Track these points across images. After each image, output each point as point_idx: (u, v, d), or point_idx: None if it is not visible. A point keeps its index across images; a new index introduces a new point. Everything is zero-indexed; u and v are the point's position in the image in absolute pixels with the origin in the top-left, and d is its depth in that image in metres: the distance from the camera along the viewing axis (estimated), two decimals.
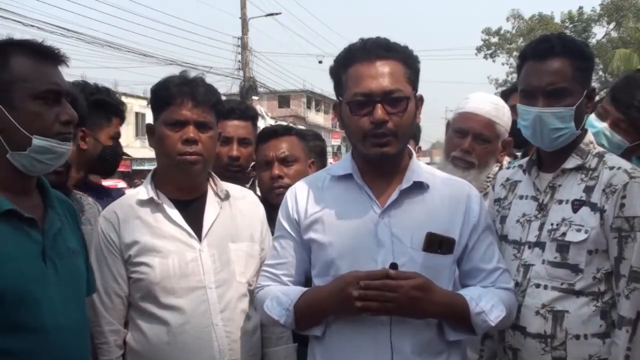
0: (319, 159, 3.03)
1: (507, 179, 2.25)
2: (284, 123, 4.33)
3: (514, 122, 2.74)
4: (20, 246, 1.60)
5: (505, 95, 3.27)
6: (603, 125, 2.60)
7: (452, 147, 2.57)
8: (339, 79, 1.90)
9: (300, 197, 1.99)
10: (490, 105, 2.57)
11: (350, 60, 1.86)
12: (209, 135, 2.15)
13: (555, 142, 2.03)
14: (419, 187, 1.90)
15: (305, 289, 1.95)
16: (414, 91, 1.88)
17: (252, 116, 2.81)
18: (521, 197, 2.15)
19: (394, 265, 1.76)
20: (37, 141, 1.62)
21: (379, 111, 1.80)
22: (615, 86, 2.74)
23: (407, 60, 1.87)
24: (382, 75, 1.81)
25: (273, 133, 2.73)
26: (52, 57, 1.69)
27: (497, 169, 2.68)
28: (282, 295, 1.93)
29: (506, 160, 3.13)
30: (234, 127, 2.72)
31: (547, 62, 2.00)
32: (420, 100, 1.93)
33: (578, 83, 2.00)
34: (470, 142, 2.51)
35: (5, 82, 1.61)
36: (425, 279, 1.76)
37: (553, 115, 1.99)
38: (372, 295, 1.72)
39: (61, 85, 1.68)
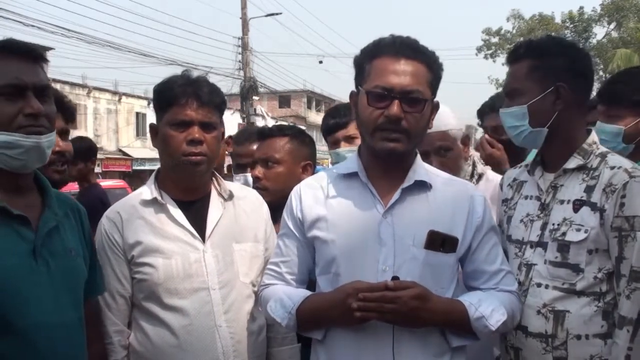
0: None
1: (514, 179, 2.27)
2: (285, 123, 4.32)
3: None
4: (6, 243, 1.60)
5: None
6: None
7: None
8: (362, 68, 1.90)
9: (304, 196, 1.99)
10: (436, 121, 2.58)
11: (378, 52, 1.88)
12: (214, 136, 2.14)
13: (518, 138, 2.14)
14: (422, 186, 1.90)
15: (309, 292, 1.96)
16: (432, 96, 1.89)
17: None
18: (526, 197, 2.16)
19: (395, 278, 1.76)
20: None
21: (395, 107, 1.80)
22: None
23: (432, 65, 1.88)
24: (405, 73, 1.82)
25: (260, 133, 2.82)
26: (17, 51, 1.68)
27: (469, 167, 2.74)
28: (285, 297, 1.93)
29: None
30: None
31: (511, 66, 2.14)
32: (435, 107, 1.94)
33: (533, 82, 2.05)
34: (435, 159, 2.53)
35: None
36: (423, 288, 1.76)
37: (508, 114, 2.12)
38: (372, 307, 1.73)
39: (24, 80, 1.66)
